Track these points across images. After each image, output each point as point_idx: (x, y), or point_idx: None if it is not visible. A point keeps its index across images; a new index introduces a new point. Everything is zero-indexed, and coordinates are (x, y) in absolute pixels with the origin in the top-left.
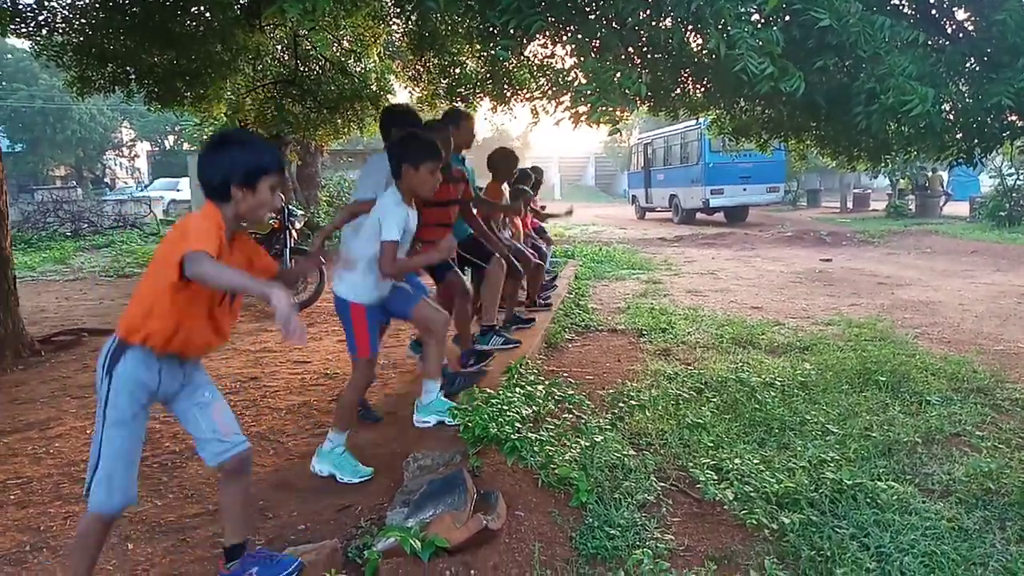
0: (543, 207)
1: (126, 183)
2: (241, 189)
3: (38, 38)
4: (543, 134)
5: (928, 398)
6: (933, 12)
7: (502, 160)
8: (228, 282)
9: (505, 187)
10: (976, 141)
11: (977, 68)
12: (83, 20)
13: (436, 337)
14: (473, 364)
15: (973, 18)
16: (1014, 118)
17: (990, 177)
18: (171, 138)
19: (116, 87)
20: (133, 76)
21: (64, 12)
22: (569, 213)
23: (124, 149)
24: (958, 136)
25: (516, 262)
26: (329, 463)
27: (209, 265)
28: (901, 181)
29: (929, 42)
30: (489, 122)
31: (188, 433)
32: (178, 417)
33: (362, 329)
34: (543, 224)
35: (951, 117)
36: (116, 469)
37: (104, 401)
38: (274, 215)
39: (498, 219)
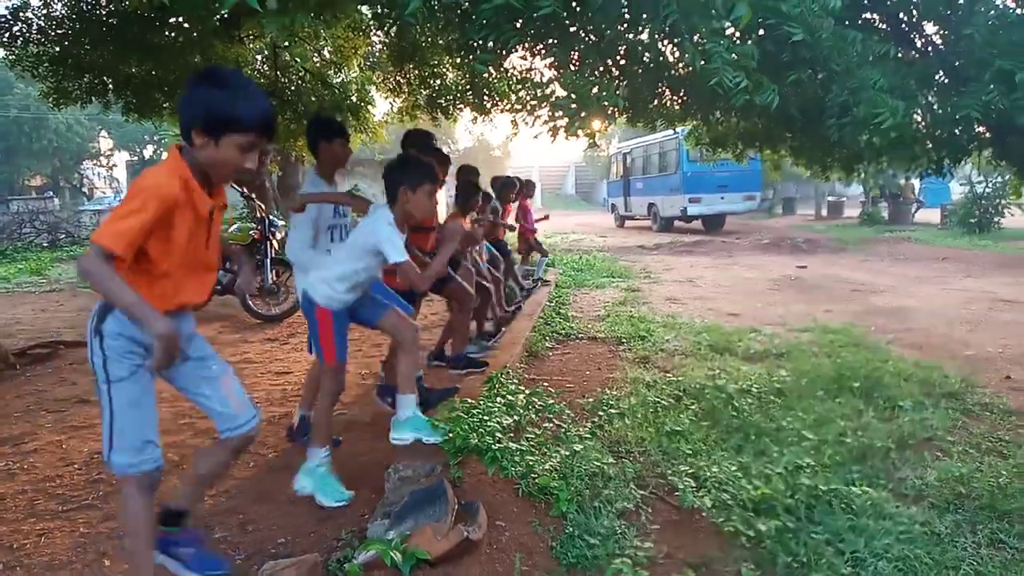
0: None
1: (104, 193)
2: (202, 135)
3: (13, 48)
4: (524, 143)
5: (901, 404)
6: (904, 27)
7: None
8: (109, 295)
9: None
10: (945, 152)
11: (946, 81)
12: (59, 31)
13: (406, 349)
14: (463, 370)
15: (942, 32)
16: (982, 129)
17: (960, 185)
18: (150, 148)
19: (93, 98)
20: (110, 87)
21: (40, 23)
22: (545, 219)
23: (102, 159)
24: (928, 147)
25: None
26: (312, 482)
27: (100, 267)
28: (874, 189)
29: (900, 56)
30: (470, 133)
31: (190, 398)
32: (184, 388)
33: (328, 335)
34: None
35: (921, 129)
36: (127, 426)
37: (101, 360)
38: (254, 225)
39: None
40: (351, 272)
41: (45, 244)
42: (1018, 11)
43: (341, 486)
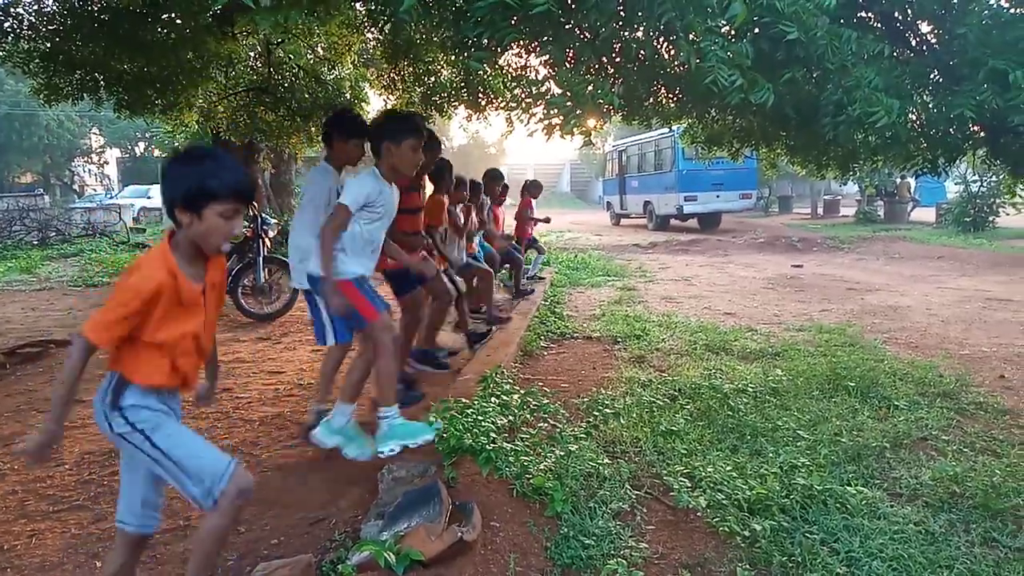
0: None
1: (95, 190)
2: (184, 213)
3: (4, 44)
4: (519, 141)
5: (896, 403)
6: (898, 25)
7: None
8: (56, 384)
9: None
10: (940, 151)
11: (941, 80)
12: (51, 27)
13: (386, 355)
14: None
15: (936, 31)
16: (976, 129)
17: (955, 184)
18: (141, 145)
19: (85, 94)
20: (102, 83)
21: (31, 19)
22: (545, 221)
23: (93, 156)
24: (923, 146)
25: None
26: (341, 438)
27: (71, 361)
28: (869, 188)
29: (895, 54)
30: (464, 130)
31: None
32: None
33: (358, 298)
34: (534, 236)
35: (916, 128)
36: (190, 451)
37: (130, 428)
38: (246, 223)
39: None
40: (353, 234)
41: (35, 242)
42: (1012, 11)
43: (367, 442)
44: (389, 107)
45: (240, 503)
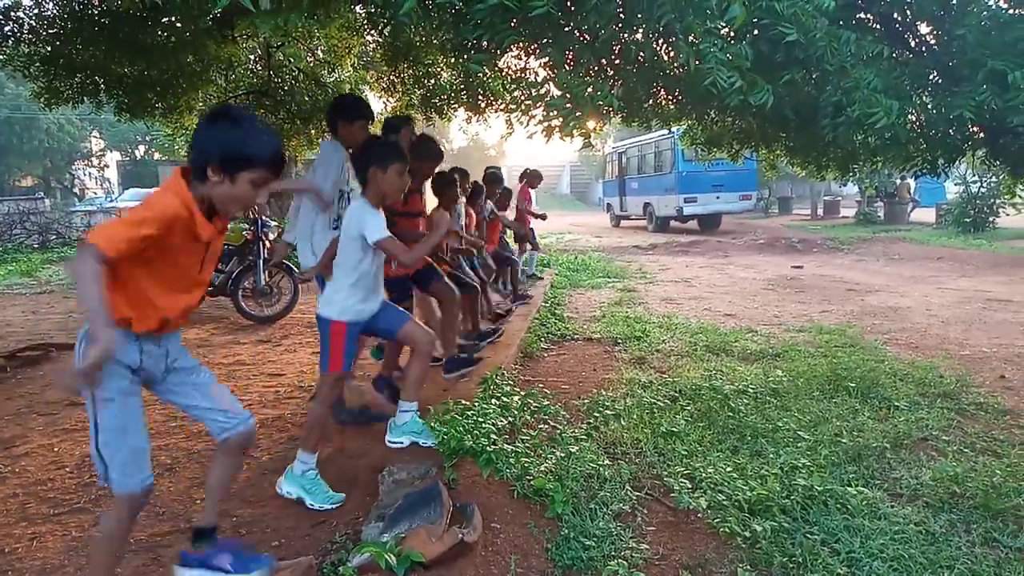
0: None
1: (95, 193)
2: (218, 172)
3: (5, 48)
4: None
5: (896, 404)
6: (897, 27)
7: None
8: (80, 292)
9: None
10: (939, 152)
11: (940, 81)
12: (51, 30)
13: (420, 357)
14: (456, 371)
15: (935, 32)
16: (975, 129)
17: (955, 184)
18: (141, 148)
19: (85, 98)
20: (102, 87)
21: (31, 22)
22: (542, 217)
23: (93, 159)
24: (922, 147)
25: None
26: (299, 486)
27: (86, 266)
28: (869, 189)
29: (894, 56)
30: (464, 132)
31: (183, 410)
32: (171, 397)
33: (338, 345)
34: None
35: (915, 129)
36: (117, 448)
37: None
38: (247, 226)
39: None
40: (354, 270)
41: (35, 245)
42: (1010, 11)
43: (330, 489)
44: (389, 110)
45: (131, 516)
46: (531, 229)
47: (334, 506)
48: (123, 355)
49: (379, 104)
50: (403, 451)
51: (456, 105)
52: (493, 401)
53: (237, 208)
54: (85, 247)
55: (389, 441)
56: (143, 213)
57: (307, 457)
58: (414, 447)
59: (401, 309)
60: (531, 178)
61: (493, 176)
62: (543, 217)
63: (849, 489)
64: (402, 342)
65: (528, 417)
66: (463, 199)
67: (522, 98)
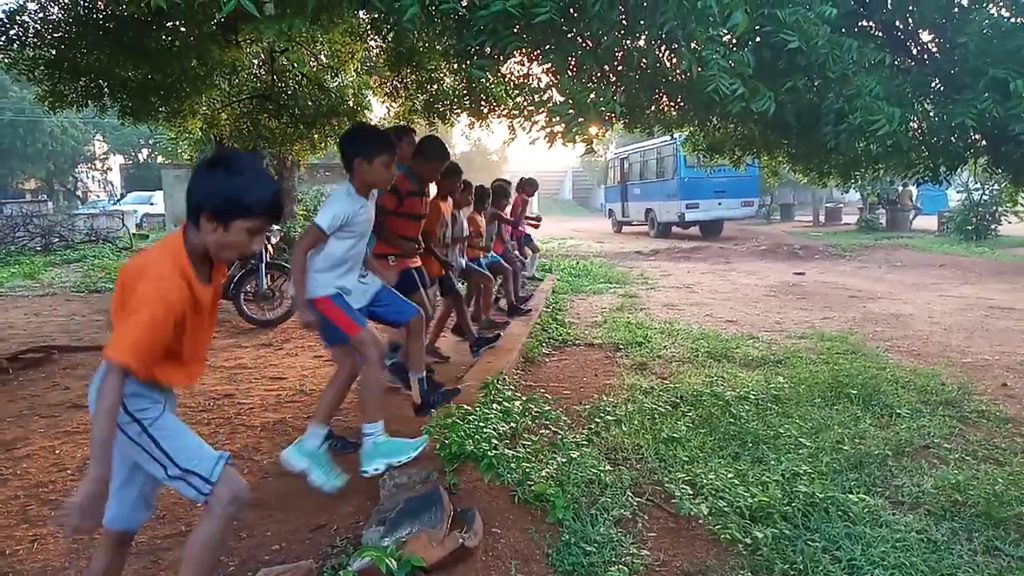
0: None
1: (98, 196)
2: (211, 220)
3: (9, 52)
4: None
5: (898, 411)
6: (899, 34)
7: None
8: (97, 420)
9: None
10: (941, 159)
11: (942, 89)
12: (56, 34)
13: (372, 368)
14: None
15: (937, 40)
16: (977, 137)
17: (957, 192)
18: (145, 151)
19: (89, 101)
20: (106, 90)
21: (36, 26)
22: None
23: (96, 162)
24: (924, 154)
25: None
26: (308, 460)
27: (112, 395)
28: (871, 196)
29: (896, 63)
30: (467, 138)
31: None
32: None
33: (339, 315)
34: (528, 233)
35: (917, 136)
36: (183, 444)
37: (131, 420)
38: None
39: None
40: (331, 252)
41: (38, 248)
42: (1012, 20)
43: (338, 469)
44: (392, 115)
45: (232, 510)
46: (528, 235)
47: (333, 488)
48: (152, 394)
49: (382, 109)
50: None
51: (459, 110)
52: (494, 406)
53: (232, 255)
54: (113, 368)
55: (363, 473)
56: (148, 311)
57: (318, 432)
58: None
59: (406, 303)
60: (526, 186)
61: (501, 190)
62: (537, 220)
63: (851, 496)
64: (354, 347)
65: (529, 422)
66: (469, 207)
67: (525, 104)
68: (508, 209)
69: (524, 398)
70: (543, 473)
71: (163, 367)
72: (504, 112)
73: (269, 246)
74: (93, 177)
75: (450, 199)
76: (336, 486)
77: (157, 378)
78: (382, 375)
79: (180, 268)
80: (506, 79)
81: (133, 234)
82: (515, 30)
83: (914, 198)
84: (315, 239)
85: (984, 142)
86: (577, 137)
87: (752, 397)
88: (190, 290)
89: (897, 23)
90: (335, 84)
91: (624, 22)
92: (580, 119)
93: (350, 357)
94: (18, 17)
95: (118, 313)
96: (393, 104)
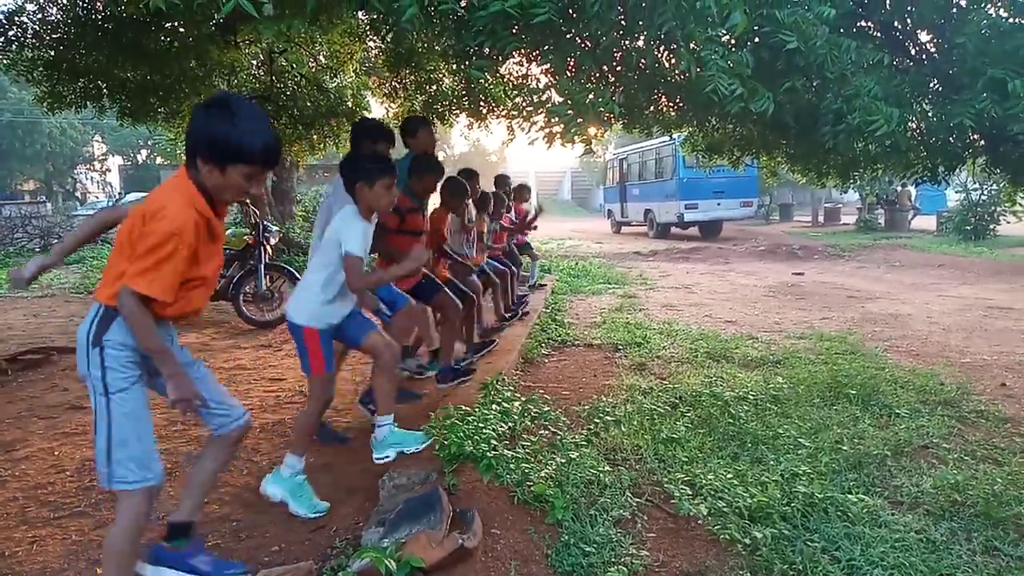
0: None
1: (97, 197)
2: (207, 163)
3: (8, 52)
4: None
5: (897, 411)
6: (897, 35)
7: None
8: (144, 341)
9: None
10: (940, 159)
11: (940, 89)
12: (55, 35)
13: (384, 368)
14: (452, 380)
15: (936, 41)
16: (976, 137)
17: (956, 192)
18: (144, 152)
19: (88, 102)
20: (105, 91)
21: (35, 27)
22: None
23: (95, 163)
24: (923, 154)
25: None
26: (285, 489)
27: (136, 313)
28: (870, 196)
29: (894, 64)
30: (466, 138)
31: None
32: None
33: (315, 349)
34: (527, 241)
35: (915, 136)
36: (130, 438)
37: (100, 372)
38: (248, 230)
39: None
40: (325, 269)
41: (37, 249)
42: (1010, 20)
43: (316, 498)
44: (390, 116)
45: (142, 522)
46: (527, 243)
47: (317, 515)
48: (136, 343)
49: (380, 110)
50: (403, 456)
51: (458, 111)
52: (494, 406)
53: (232, 197)
54: (131, 296)
55: (376, 459)
56: (171, 246)
57: (295, 461)
58: (413, 452)
59: (366, 318)
60: (519, 191)
61: (499, 199)
62: (534, 221)
63: (850, 496)
64: (366, 352)
65: (528, 423)
66: (470, 204)
67: (524, 104)
68: (511, 214)
69: (523, 399)
70: (542, 474)
71: (186, 294)
72: (503, 113)
73: (268, 247)
74: (92, 178)
75: (470, 202)
76: (320, 512)
77: (175, 311)
78: (395, 375)
79: (193, 202)
80: (505, 80)
81: None
82: (514, 31)
83: (913, 198)
84: (358, 267)
85: (982, 142)
86: (576, 137)
87: (751, 397)
88: (204, 220)
89: (895, 23)
90: (334, 85)
91: (623, 22)
92: (579, 119)
93: (325, 387)
94: (17, 18)
95: (123, 251)
96: (392, 105)
